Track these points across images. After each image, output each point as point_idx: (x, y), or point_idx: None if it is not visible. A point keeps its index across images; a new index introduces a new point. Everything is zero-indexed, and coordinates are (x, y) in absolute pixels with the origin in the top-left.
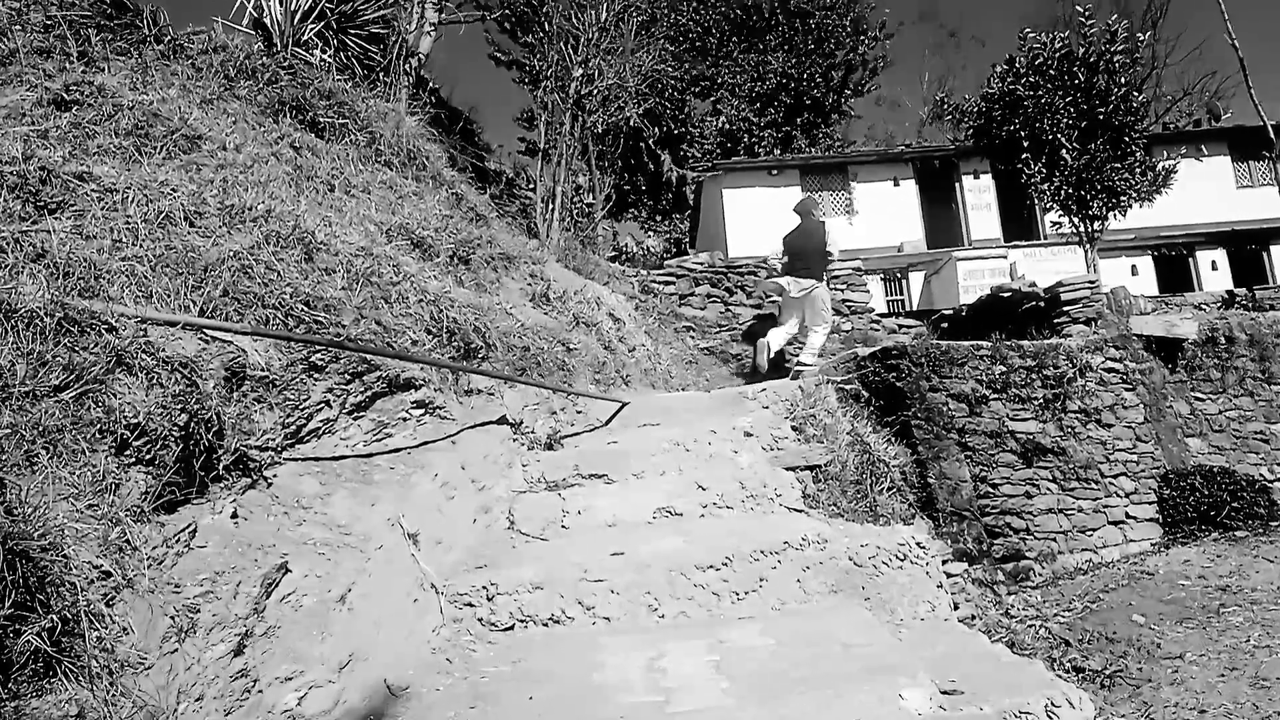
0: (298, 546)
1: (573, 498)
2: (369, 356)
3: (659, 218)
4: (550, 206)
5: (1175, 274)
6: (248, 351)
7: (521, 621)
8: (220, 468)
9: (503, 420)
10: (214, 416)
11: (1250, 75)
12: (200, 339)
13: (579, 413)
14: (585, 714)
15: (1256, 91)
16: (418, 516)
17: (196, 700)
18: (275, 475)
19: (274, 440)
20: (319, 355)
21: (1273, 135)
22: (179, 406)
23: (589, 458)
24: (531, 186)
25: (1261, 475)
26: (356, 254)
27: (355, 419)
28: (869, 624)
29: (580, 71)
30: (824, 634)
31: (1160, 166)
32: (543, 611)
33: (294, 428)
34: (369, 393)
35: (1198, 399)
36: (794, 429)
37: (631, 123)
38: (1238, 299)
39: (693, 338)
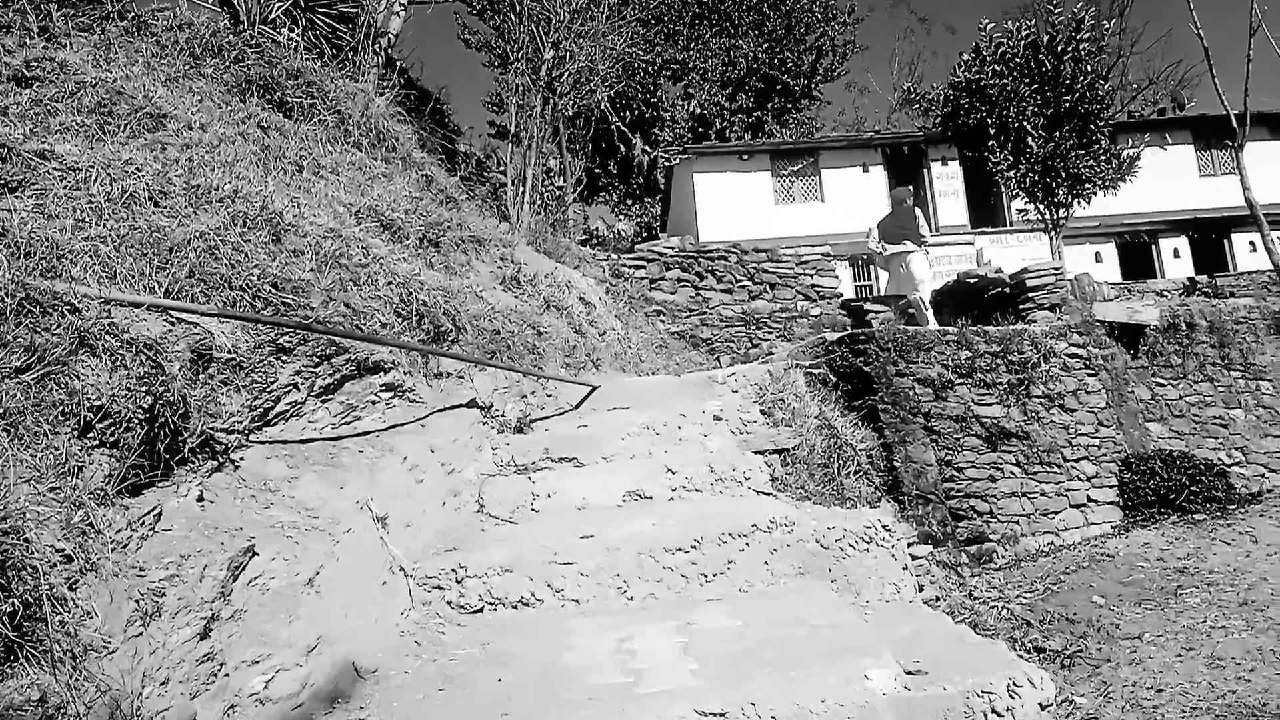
0: (265, 529)
1: (542, 481)
2: (338, 339)
3: (630, 201)
4: (521, 189)
5: (1138, 261)
6: (214, 333)
7: (491, 604)
8: (186, 450)
9: (473, 403)
10: (179, 399)
11: (1214, 65)
12: (166, 320)
13: (549, 396)
14: (554, 696)
15: (1220, 81)
16: (387, 499)
17: (162, 684)
18: (242, 458)
19: (241, 423)
20: (287, 337)
21: (1235, 125)
22: (144, 388)
23: (559, 441)
24: (502, 169)
25: (1220, 459)
26: (325, 235)
27: (324, 402)
28: (835, 605)
29: (551, 54)
30: (791, 615)
31: (1125, 154)
32: (512, 594)
33: (261, 410)
34: (337, 375)
35: (1159, 384)
36: (763, 413)
37: (602, 106)
38: (1199, 286)
39: (663, 322)
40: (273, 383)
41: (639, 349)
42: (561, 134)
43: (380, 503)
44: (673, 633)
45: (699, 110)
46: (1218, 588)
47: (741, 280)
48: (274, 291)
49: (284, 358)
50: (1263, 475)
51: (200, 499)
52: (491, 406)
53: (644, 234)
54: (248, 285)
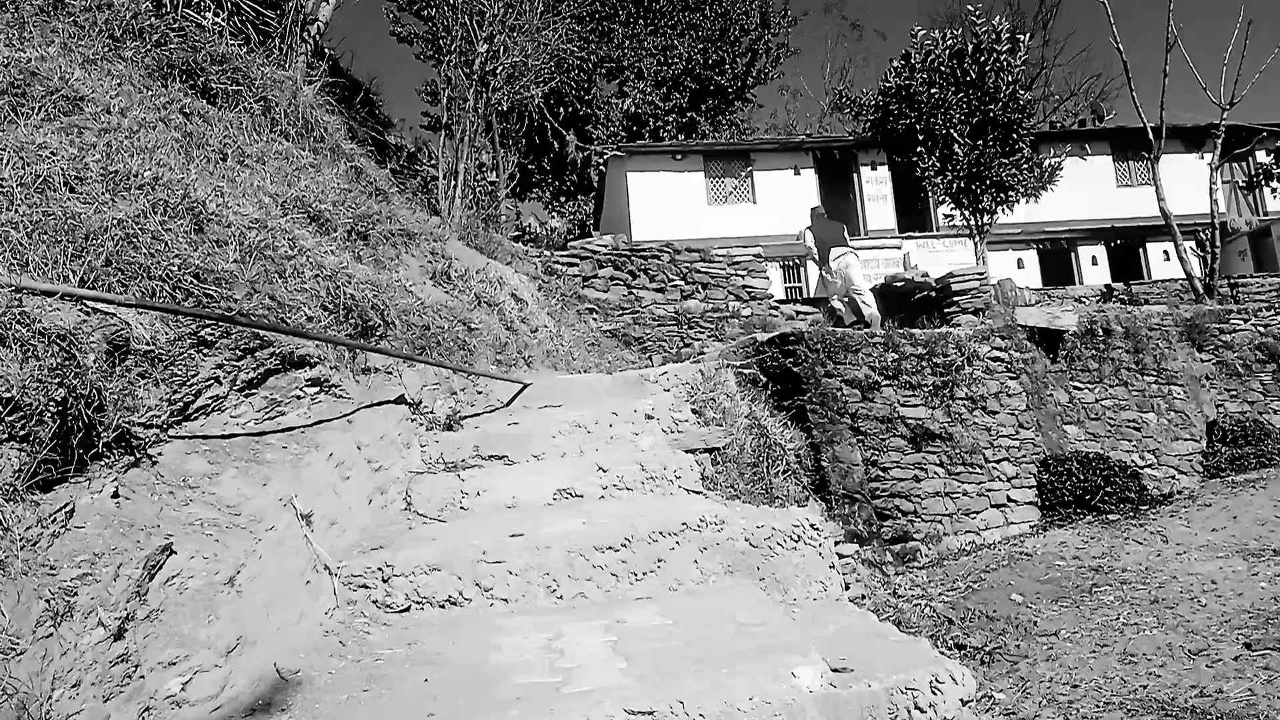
0: (184, 527)
1: (472, 479)
2: (262, 332)
3: (563, 199)
4: (453, 183)
5: (1058, 267)
6: (132, 325)
7: (418, 603)
8: (101, 445)
9: (401, 400)
10: (94, 391)
11: (1133, 78)
12: (81, 310)
13: (480, 393)
14: (481, 695)
15: (1138, 94)
16: (311, 497)
17: (73, 687)
18: (160, 453)
19: (159, 417)
20: (209, 330)
21: (1152, 137)
22: (56, 380)
23: (489, 439)
24: (434, 162)
25: (1133, 461)
26: (250, 226)
27: (247, 396)
28: (763, 604)
29: (485, 47)
30: (720, 614)
31: (1046, 164)
32: (439, 593)
33: (181, 405)
34: (261, 369)
35: (1076, 388)
36: (694, 412)
37: (536, 101)
38: (1115, 293)
39: (595, 320)
40: (193, 376)
41: (571, 347)
42: (495, 128)
43: (305, 500)
44: (602, 631)
45: (633, 109)
46: (1130, 586)
47: (674, 280)
48: (195, 282)
49: (205, 351)
50: (1173, 477)
51: (115, 495)
52: (420, 403)
53: (577, 231)
54: (168, 275)
